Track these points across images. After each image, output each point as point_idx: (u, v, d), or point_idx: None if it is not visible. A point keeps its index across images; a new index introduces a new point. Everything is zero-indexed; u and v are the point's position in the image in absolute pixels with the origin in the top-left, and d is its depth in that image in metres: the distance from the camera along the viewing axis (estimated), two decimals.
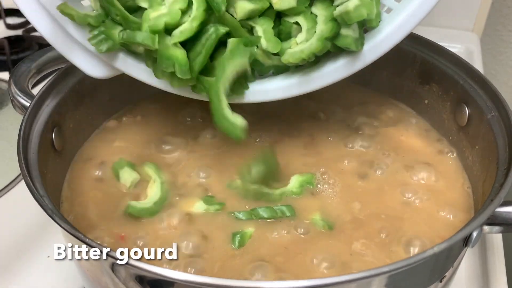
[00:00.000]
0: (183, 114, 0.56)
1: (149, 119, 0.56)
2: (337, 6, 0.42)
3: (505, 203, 0.39)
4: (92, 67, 0.46)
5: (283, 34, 0.45)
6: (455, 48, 0.87)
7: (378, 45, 0.43)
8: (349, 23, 0.41)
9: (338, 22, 0.42)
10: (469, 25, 0.94)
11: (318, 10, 0.43)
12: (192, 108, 0.56)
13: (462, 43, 0.90)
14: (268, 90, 0.46)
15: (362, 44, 0.43)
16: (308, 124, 0.55)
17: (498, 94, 0.46)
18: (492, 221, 0.39)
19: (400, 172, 0.49)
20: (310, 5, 0.44)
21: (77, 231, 0.35)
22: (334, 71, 0.44)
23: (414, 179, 0.48)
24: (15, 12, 1.03)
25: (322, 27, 0.42)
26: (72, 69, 0.52)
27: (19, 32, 0.96)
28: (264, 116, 0.54)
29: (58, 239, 0.54)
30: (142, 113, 0.58)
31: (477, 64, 0.85)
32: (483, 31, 0.95)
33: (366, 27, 0.43)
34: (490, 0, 0.90)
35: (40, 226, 0.55)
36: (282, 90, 0.46)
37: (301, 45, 0.43)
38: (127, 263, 0.32)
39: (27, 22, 0.98)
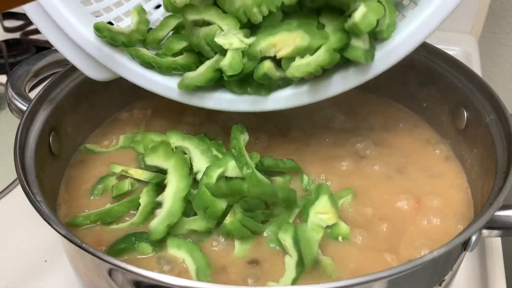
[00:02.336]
0: (187, 114, 0.57)
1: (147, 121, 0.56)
2: (348, 16, 0.40)
3: (504, 207, 0.38)
4: (93, 71, 0.48)
5: None
6: (453, 50, 0.87)
7: (389, 54, 0.41)
8: (361, 34, 0.39)
9: (348, 33, 0.40)
10: (467, 27, 0.94)
11: (326, 20, 0.42)
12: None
13: (460, 46, 0.90)
14: (278, 98, 0.45)
15: (372, 57, 0.40)
16: (308, 125, 0.55)
17: (496, 97, 0.46)
18: (491, 225, 0.39)
19: (399, 174, 0.49)
20: (318, 14, 0.43)
21: (74, 236, 0.34)
22: (344, 80, 0.43)
23: (414, 181, 0.48)
24: (13, 15, 1.03)
25: (331, 37, 0.40)
26: (69, 73, 0.52)
27: (16, 35, 0.96)
28: (264, 117, 0.54)
29: (54, 243, 0.54)
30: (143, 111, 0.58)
31: (475, 67, 0.85)
32: (481, 34, 0.95)
33: (377, 37, 0.41)
34: (488, 3, 0.91)
35: (37, 230, 0.55)
36: (292, 99, 0.45)
37: (306, 58, 0.40)
38: (125, 269, 0.32)
39: (25, 25, 0.98)
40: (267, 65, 0.43)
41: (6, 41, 0.91)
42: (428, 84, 0.55)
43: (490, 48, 1.03)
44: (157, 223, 0.41)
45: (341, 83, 0.43)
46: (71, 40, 0.45)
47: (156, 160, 0.44)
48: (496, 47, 1.03)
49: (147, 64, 0.46)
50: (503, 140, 0.44)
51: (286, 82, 0.44)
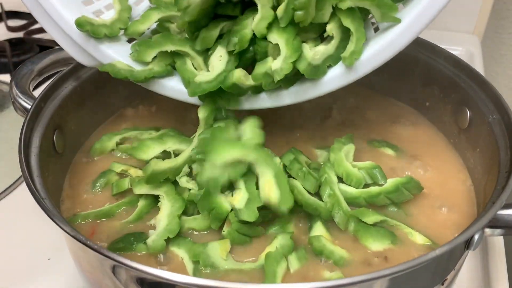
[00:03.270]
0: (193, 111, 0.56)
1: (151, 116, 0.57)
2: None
3: (507, 206, 0.38)
4: (83, 57, 0.48)
5: (258, 54, 0.44)
6: (456, 50, 0.87)
7: (368, 60, 0.42)
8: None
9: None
10: (470, 27, 0.94)
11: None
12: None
13: (463, 46, 0.90)
14: (260, 98, 0.46)
15: (319, 74, 0.43)
16: (314, 125, 0.55)
17: (499, 97, 0.46)
18: (494, 223, 0.39)
19: (402, 173, 0.49)
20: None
21: (78, 233, 0.35)
22: (330, 81, 0.44)
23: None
24: (17, 15, 1.03)
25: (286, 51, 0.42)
26: (73, 71, 0.52)
27: (20, 34, 0.96)
28: (271, 120, 0.54)
29: (59, 240, 0.54)
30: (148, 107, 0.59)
31: (478, 67, 0.85)
32: (484, 34, 0.95)
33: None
34: (491, 3, 0.91)
35: (40, 228, 0.55)
36: (271, 100, 0.46)
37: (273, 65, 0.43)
38: (128, 266, 0.32)
39: (28, 25, 0.98)
40: (237, 74, 0.43)
41: (10, 40, 0.91)
42: (431, 84, 0.55)
43: (493, 48, 1.03)
44: (156, 239, 0.41)
45: (317, 88, 0.44)
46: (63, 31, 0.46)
47: (146, 189, 0.44)
48: (499, 47, 1.03)
49: (125, 79, 0.46)
50: (506, 140, 0.44)
51: (256, 90, 0.45)
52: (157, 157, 0.45)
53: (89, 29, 0.45)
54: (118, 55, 0.47)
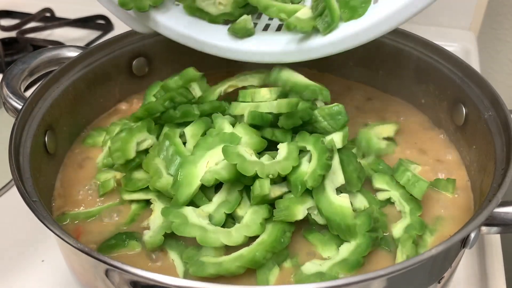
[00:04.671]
0: None
1: None
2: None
3: (503, 204, 0.38)
4: (136, 24, 0.50)
5: None
6: (451, 47, 0.87)
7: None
8: None
9: None
10: (466, 23, 0.94)
11: None
12: None
13: (459, 42, 0.90)
14: (265, 53, 0.47)
15: None
16: None
17: (495, 93, 0.46)
18: (490, 221, 0.38)
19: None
20: None
21: (70, 236, 0.34)
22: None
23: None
24: (9, 14, 1.02)
25: None
26: (64, 71, 0.52)
27: (13, 34, 0.95)
28: None
29: (52, 243, 0.54)
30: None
31: (474, 63, 0.85)
32: (480, 30, 0.95)
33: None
34: None
35: (34, 230, 0.55)
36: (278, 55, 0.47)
37: None
38: (121, 269, 0.32)
39: (21, 24, 0.97)
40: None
41: (3, 40, 0.90)
42: (426, 80, 0.55)
43: (489, 44, 1.03)
44: (153, 235, 0.40)
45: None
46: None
47: (136, 196, 0.44)
48: (495, 43, 1.03)
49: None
50: (502, 137, 0.43)
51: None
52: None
53: (133, 5, 0.46)
54: (168, 21, 0.48)
